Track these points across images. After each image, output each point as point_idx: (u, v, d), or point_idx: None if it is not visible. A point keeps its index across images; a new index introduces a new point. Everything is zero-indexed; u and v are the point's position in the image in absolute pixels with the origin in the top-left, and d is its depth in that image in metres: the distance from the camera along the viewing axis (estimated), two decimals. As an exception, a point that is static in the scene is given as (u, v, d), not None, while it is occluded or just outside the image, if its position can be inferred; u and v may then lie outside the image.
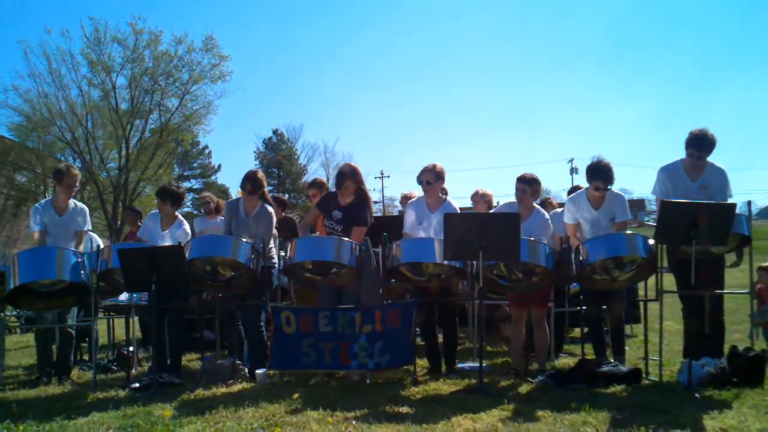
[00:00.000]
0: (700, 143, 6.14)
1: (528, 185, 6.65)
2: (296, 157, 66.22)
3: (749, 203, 6.67)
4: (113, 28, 35.95)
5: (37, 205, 7.23)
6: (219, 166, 62.79)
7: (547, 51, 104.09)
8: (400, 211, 8.79)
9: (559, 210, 7.97)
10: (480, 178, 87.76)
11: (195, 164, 62.28)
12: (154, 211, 7.66)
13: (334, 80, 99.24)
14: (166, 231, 7.26)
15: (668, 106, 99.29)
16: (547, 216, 6.83)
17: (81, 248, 7.10)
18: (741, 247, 6.26)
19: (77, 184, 7.24)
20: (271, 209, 7.06)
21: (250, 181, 6.95)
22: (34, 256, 6.62)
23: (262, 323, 6.77)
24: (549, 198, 9.57)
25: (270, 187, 63.30)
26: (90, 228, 7.46)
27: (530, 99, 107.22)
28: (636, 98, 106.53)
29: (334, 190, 7.02)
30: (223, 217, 7.73)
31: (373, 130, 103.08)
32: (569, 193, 8.36)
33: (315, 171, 64.44)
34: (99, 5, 78.65)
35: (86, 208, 7.43)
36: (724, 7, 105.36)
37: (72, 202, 7.22)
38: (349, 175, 6.84)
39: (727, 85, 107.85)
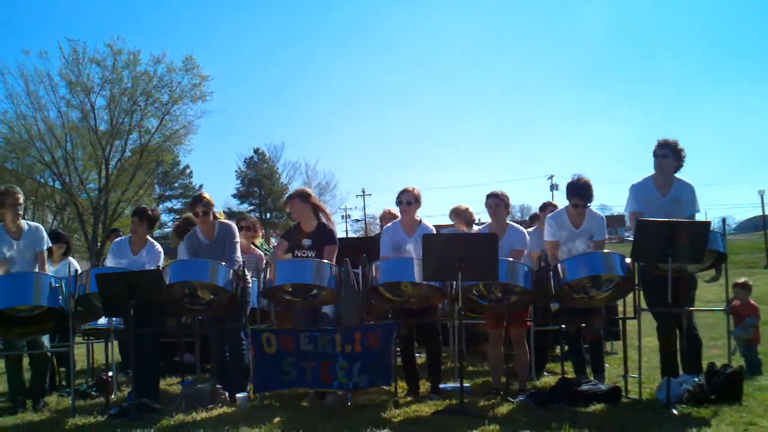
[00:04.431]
0: (665, 143, 6.37)
1: (500, 200, 6.72)
2: (277, 176, 66.09)
3: (723, 220, 6.78)
4: (92, 49, 36.02)
5: None
6: (200, 186, 62.39)
7: (527, 69, 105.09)
8: (378, 234, 8.71)
9: (531, 229, 8.02)
10: (461, 195, 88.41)
11: (176, 184, 62.02)
12: (118, 239, 7.59)
13: (315, 99, 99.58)
14: (139, 255, 7.15)
15: (647, 123, 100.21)
16: (522, 229, 6.89)
17: (46, 269, 6.99)
18: (717, 263, 6.33)
19: (21, 202, 6.93)
20: (231, 224, 7.08)
21: (200, 204, 6.87)
22: (10, 282, 6.52)
23: (243, 346, 6.73)
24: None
25: (252, 207, 63.82)
26: (50, 245, 7.25)
27: (510, 116, 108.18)
28: (615, 115, 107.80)
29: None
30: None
31: (355, 148, 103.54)
32: (541, 209, 8.40)
33: (296, 190, 64.21)
34: (77, 26, 78.74)
35: (41, 226, 7.23)
36: (699, 30, 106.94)
37: (25, 223, 7.00)
38: (300, 197, 6.94)
39: (702, 103, 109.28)
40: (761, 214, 44.11)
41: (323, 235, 6.89)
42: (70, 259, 8.42)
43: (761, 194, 43.16)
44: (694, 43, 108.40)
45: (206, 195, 7.02)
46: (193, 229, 7.08)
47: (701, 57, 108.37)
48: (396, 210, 8.13)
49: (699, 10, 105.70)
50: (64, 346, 7.22)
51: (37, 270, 6.85)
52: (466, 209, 8.43)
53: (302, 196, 6.96)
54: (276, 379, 6.37)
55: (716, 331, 8.92)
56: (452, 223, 8.90)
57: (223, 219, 7.18)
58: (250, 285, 6.91)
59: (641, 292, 6.31)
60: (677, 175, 6.43)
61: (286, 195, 7.33)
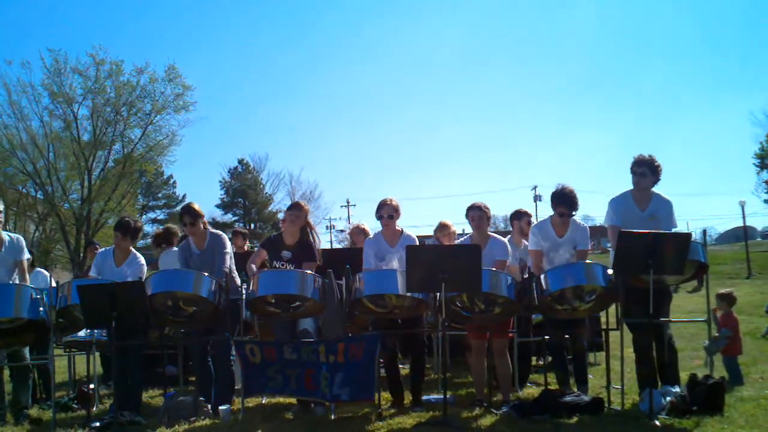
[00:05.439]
0: (642, 161, 6.39)
1: (483, 212, 6.73)
2: (262, 186, 65.98)
3: (704, 231, 6.82)
4: (74, 59, 35.97)
5: None
6: (184, 196, 62.10)
7: (512, 81, 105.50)
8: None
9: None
10: (444, 206, 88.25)
11: (159, 194, 61.76)
12: (102, 249, 7.56)
13: (299, 109, 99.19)
14: (122, 267, 7.07)
15: (631, 135, 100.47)
16: (503, 240, 6.90)
17: (27, 279, 6.92)
18: (699, 274, 6.37)
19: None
20: (222, 234, 7.06)
21: (188, 214, 6.87)
22: (-10, 294, 6.45)
23: (232, 358, 6.71)
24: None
25: (236, 217, 63.68)
26: (29, 256, 7.16)
27: (494, 127, 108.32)
28: (599, 127, 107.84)
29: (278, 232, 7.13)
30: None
31: (339, 159, 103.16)
32: (511, 217, 8.43)
33: (281, 200, 64.10)
34: (60, 36, 78.33)
35: (21, 236, 7.13)
36: (685, 43, 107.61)
37: (5, 234, 6.85)
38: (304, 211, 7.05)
39: (686, 116, 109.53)
40: (742, 224, 44.44)
41: (304, 249, 6.91)
42: (38, 269, 8.38)
43: (742, 205, 43.48)
44: (677, 54, 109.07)
45: (195, 205, 7.00)
46: (186, 240, 7.08)
47: (684, 68, 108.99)
48: (365, 224, 8.19)
49: (686, 21, 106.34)
50: (43, 359, 7.15)
51: (17, 279, 6.77)
52: (449, 225, 8.53)
53: (305, 212, 7.05)
54: (261, 385, 6.44)
55: (698, 342, 8.97)
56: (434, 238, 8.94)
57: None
58: (243, 296, 6.79)
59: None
60: (656, 190, 6.49)
61: (290, 204, 7.43)
